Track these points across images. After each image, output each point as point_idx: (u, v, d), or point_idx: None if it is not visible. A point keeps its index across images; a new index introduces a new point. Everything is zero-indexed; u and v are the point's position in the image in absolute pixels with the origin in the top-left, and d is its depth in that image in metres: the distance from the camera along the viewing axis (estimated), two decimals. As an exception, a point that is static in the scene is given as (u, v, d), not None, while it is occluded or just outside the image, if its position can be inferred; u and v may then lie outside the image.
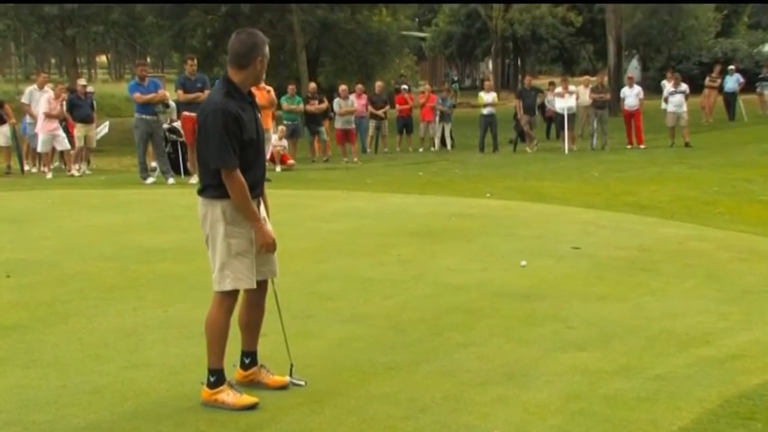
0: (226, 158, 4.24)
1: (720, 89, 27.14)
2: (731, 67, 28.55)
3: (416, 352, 5.12)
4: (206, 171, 4.39)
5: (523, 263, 7.29)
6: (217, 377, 4.37)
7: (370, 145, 22.75)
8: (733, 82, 27.11)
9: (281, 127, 18.66)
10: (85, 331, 5.63)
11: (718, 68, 27.40)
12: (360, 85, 22.75)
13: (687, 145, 19.97)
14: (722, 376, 4.61)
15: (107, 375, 4.75)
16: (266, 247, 4.44)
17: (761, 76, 30.70)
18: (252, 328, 4.66)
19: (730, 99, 27.37)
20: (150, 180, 14.70)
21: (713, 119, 26.59)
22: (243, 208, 4.33)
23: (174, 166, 15.52)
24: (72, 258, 8.00)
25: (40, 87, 17.99)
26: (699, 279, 6.94)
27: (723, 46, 44.16)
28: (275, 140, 17.43)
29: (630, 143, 20.65)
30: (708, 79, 26.76)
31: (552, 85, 24.73)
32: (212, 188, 4.37)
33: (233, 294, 4.44)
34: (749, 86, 28.64)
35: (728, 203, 11.25)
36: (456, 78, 50.58)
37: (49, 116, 16.68)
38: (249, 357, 4.66)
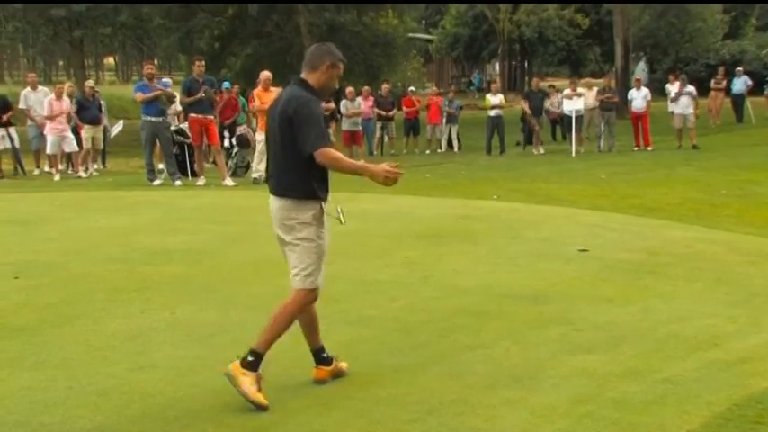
0: (324, 139, 4.42)
1: (727, 91, 27.08)
2: (739, 69, 28.47)
3: (423, 354, 5.11)
4: (289, 171, 4.47)
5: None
6: (255, 360, 4.42)
7: (377, 147, 22.76)
8: (741, 84, 27.04)
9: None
10: (92, 333, 5.63)
11: (722, 70, 27.34)
12: (366, 87, 22.78)
13: (695, 147, 19.92)
14: (731, 380, 4.59)
15: (114, 377, 4.75)
16: (385, 175, 4.56)
17: (768, 78, 30.65)
18: (316, 325, 4.80)
19: (738, 101, 27.30)
20: (157, 182, 14.72)
21: (720, 121, 26.52)
22: (350, 167, 4.64)
23: (182, 167, 15.53)
24: (79, 260, 8.01)
25: (33, 88, 18.05)
26: (707, 282, 6.91)
27: (731, 48, 44.05)
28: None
29: (638, 145, 20.60)
30: (713, 82, 26.72)
31: (552, 87, 24.77)
32: (295, 191, 4.48)
33: (315, 293, 4.61)
34: (757, 89, 28.56)
35: (736, 206, 11.21)
36: (473, 80, 50.58)
37: (50, 118, 16.73)
38: (323, 352, 4.78)
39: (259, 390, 4.35)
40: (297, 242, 4.53)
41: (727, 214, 10.61)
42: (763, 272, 7.28)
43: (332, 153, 4.43)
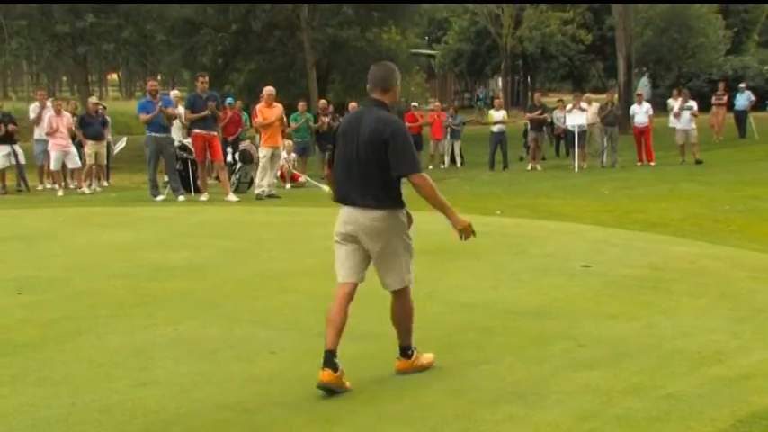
0: (419, 163, 4.98)
1: (729, 106, 27.12)
2: (742, 85, 28.52)
3: (427, 370, 5.10)
4: (384, 186, 4.88)
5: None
6: (411, 350, 5.12)
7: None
8: (744, 100, 27.08)
9: (287, 142, 18.74)
10: (95, 349, 5.63)
11: (722, 86, 27.41)
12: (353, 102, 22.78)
13: (698, 162, 19.94)
14: (735, 395, 4.57)
15: (117, 393, 4.74)
16: (466, 230, 5.16)
17: (772, 93, 30.69)
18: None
19: (741, 117, 27.33)
20: (161, 197, 14.74)
21: (723, 136, 26.55)
22: (440, 202, 5.04)
23: (185, 183, 15.56)
24: (82, 276, 8.02)
25: (42, 106, 18.12)
26: (711, 298, 6.90)
27: (733, 64, 44.11)
28: (284, 156, 17.49)
29: (641, 160, 20.62)
30: (714, 97, 26.76)
31: (561, 102, 24.76)
32: (390, 201, 4.92)
33: (410, 288, 5.12)
34: (760, 104, 28.60)
35: (740, 221, 11.20)
36: (481, 96, 50.79)
37: (50, 134, 16.79)
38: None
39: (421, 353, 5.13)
40: (394, 246, 5.00)
41: (731, 230, 10.60)
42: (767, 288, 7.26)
43: (430, 180, 4.96)
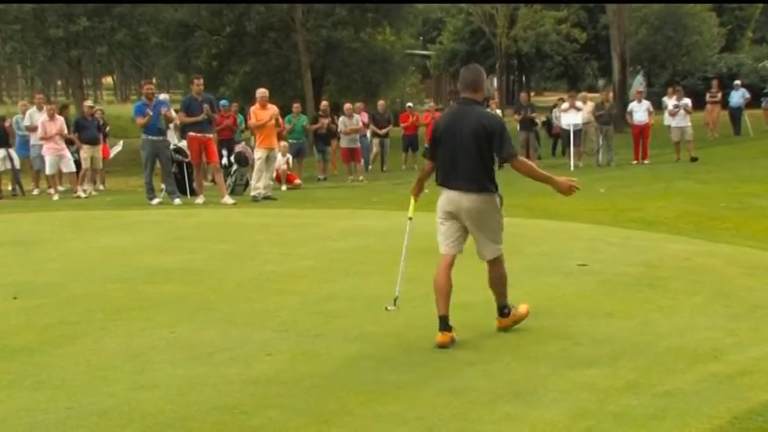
0: (517, 150, 5.82)
1: (723, 104, 27.16)
2: (737, 82, 28.58)
3: (424, 370, 5.11)
4: (484, 173, 5.71)
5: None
6: (507, 309, 5.98)
7: (373, 162, 22.76)
8: (738, 97, 27.13)
9: (283, 144, 18.76)
10: (92, 353, 5.63)
11: (716, 83, 27.45)
12: (359, 104, 22.78)
13: (693, 159, 19.98)
14: (731, 392, 4.58)
15: (114, 397, 4.74)
16: (570, 189, 5.98)
17: (766, 90, 30.74)
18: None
19: (736, 114, 27.39)
20: (156, 201, 14.72)
21: (718, 134, 26.59)
22: (540, 176, 5.90)
23: (181, 186, 15.55)
24: (79, 280, 8.01)
25: (39, 109, 18.09)
26: (707, 295, 6.91)
27: (728, 61, 44.21)
28: (280, 158, 17.50)
29: (636, 158, 20.63)
30: (708, 95, 26.79)
31: (561, 100, 24.75)
32: (489, 185, 5.76)
33: (502, 257, 5.98)
34: (754, 101, 28.64)
35: (735, 219, 11.22)
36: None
37: (44, 138, 16.78)
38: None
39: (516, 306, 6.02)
40: (492, 223, 5.86)
41: (727, 227, 10.62)
42: (763, 284, 7.28)
43: (527, 161, 6.03)
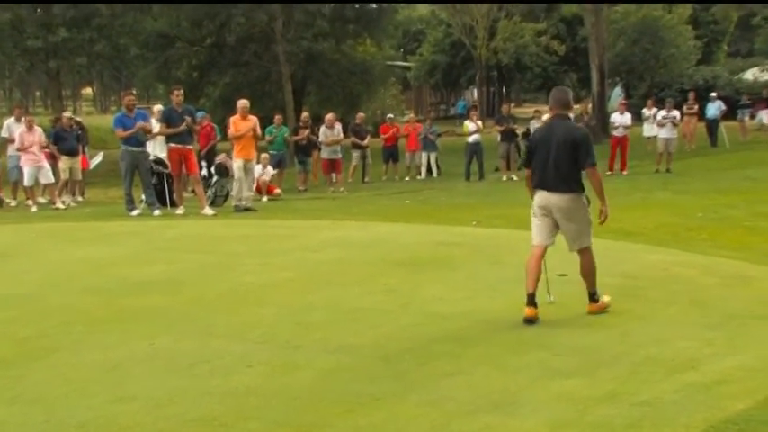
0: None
1: (700, 116, 27.41)
2: (713, 94, 28.83)
3: (403, 382, 5.11)
4: (571, 176, 6.69)
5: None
6: (596, 294, 6.80)
7: (352, 175, 22.77)
8: (715, 109, 27.38)
9: (263, 155, 18.73)
10: (69, 365, 5.60)
11: (692, 95, 27.69)
12: (331, 114, 22.47)
13: (668, 171, 20.13)
14: (708, 401, 4.62)
15: (91, 410, 4.71)
16: (606, 218, 6.89)
17: (741, 103, 31.06)
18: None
19: (712, 126, 27.62)
20: (136, 212, 14.66)
21: (695, 145, 26.81)
22: (602, 190, 6.81)
23: (160, 197, 15.50)
24: (56, 292, 7.97)
25: (17, 120, 17.99)
26: (684, 305, 6.97)
27: (704, 74, 44.58)
28: (259, 170, 17.48)
29: (611, 170, 20.68)
30: (685, 107, 27.01)
31: (538, 112, 24.89)
32: (577, 187, 6.72)
33: (591, 247, 6.85)
34: (730, 113, 28.90)
35: (712, 229, 11.31)
36: (460, 106, 50.91)
37: (22, 150, 16.68)
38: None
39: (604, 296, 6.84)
40: (580, 219, 6.75)
41: (703, 237, 10.70)
42: (739, 294, 7.34)
43: (598, 173, 6.87)
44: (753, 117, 32.47)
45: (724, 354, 5.55)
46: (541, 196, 6.81)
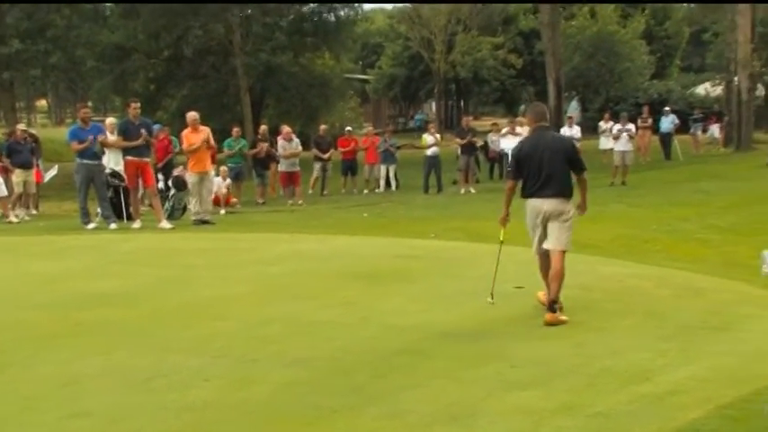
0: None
1: (654, 129, 27.85)
2: (666, 108, 29.33)
3: (361, 395, 5.11)
4: (565, 181, 7.15)
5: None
6: (558, 303, 6.89)
7: (313, 186, 22.77)
8: (668, 123, 27.87)
9: (222, 168, 18.63)
10: (22, 381, 5.52)
11: (646, 109, 28.17)
12: (288, 127, 22.39)
13: (624, 183, 20.41)
14: (661, 412, 4.69)
15: (45, 426, 4.65)
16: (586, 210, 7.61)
17: (693, 117, 31.64)
18: (556, 279, 7.08)
19: (666, 139, 28.07)
20: (92, 225, 14.49)
21: (650, 158, 27.21)
22: (586, 192, 7.49)
23: (117, 210, 15.35)
24: (8, 307, 7.85)
25: None
26: (639, 316, 7.06)
27: (658, 88, 45.35)
28: (219, 182, 17.40)
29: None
30: (639, 120, 27.44)
31: (496, 125, 25.10)
32: (569, 192, 7.18)
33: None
34: (683, 127, 29.43)
35: (666, 241, 11.48)
36: (417, 119, 51.13)
37: None
38: (554, 304, 6.91)
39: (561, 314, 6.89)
40: (567, 222, 7.14)
41: (657, 249, 10.86)
42: (692, 305, 7.46)
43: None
44: (705, 131, 33.17)
45: (677, 364, 5.63)
46: (536, 203, 7.18)
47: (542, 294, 7.30)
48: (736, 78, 30.02)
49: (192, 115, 15.38)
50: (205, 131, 15.24)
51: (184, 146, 15.31)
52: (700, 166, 24.39)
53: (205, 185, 15.20)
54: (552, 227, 7.15)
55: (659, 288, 8.20)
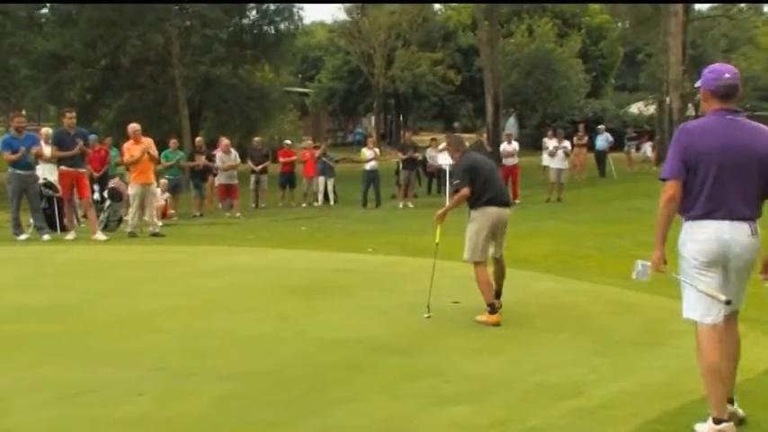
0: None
1: (589, 147, 28.36)
2: (600, 126, 29.92)
3: (297, 409, 5.11)
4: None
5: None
6: (496, 306, 7.51)
7: (253, 200, 22.67)
8: (603, 141, 28.41)
9: (162, 181, 18.46)
10: (-51, 397, 5.38)
11: (582, 127, 28.69)
12: (227, 139, 22.28)
13: (559, 200, 20.72)
14: (592, 427, 4.77)
15: (-27, 442, 4.55)
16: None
17: (627, 135, 32.32)
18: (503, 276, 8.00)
19: (601, 157, 28.61)
20: (23, 236, 14.22)
21: (585, 175, 27.68)
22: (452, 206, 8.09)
23: (50, 221, 15.07)
24: (-64, 319, 7.65)
25: None
26: (571, 332, 7.17)
27: (593, 106, 46.19)
28: (157, 194, 17.22)
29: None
30: (575, 138, 27.91)
31: (434, 140, 25.29)
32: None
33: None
34: (618, 145, 30.04)
35: (599, 258, 11.67)
36: (357, 134, 51.19)
37: None
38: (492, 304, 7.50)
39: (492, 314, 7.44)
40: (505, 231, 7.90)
41: (591, 266, 11.03)
42: (624, 321, 7.61)
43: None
44: (638, 149, 33.88)
45: (609, 379, 5.74)
46: (497, 211, 7.72)
47: (483, 317, 7.53)
48: (667, 98, 30.72)
49: (133, 127, 15.23)
50: (146, 142, 15.09)
51: (125, 158, 15.15)
52: (633, 184, 24.85)
53: (148, 197, 15.02)
54: (502, 234, 7.92)
55: (593, 304, 8.34)
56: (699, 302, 4.56)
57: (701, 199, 4.49)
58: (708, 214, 4.48)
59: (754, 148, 4.49)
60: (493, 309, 7.43)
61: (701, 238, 4.50)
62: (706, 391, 4.49)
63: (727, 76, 4.53)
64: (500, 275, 7.94)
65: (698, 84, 4.68)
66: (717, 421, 4.37)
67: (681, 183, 4.51)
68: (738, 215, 4.47)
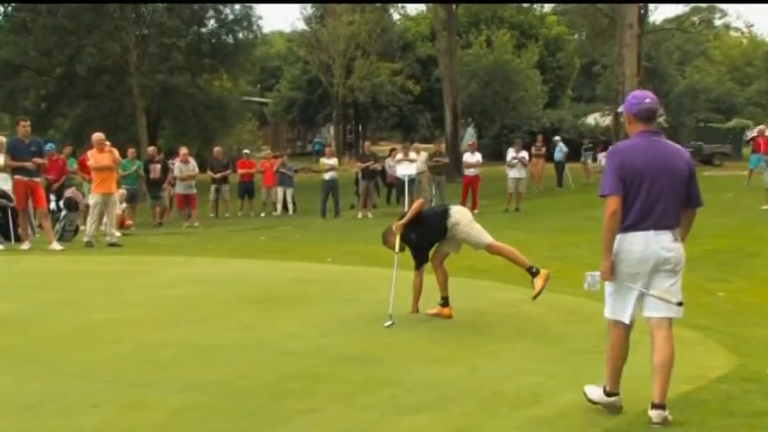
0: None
1: (547, 157, 28.67)
2: (556, 137, 30.27)
3: (256, 419, 5.09)
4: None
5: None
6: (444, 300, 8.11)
7: (213, 210, 22.56)
8: (558, 151, 28.75)
9: (121, 191, 18.29)
10: None
11: (540, 138, 29.03)
12: (185, 149, 22.18)
13: (518, 210, 20.89)
14: (550, 434, 4.82)
15: (-75, 455, 4.48)
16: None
17: (584, 146, 32.71)
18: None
19: (559, 167, 28.92)
20: (-23, 247, 14.01)
21: (543, 185, 27.94)
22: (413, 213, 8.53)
23: (5, 231, 14.86)
24: None
25: None
26: (530, 341, 7.23)
27: (551, 117, 46.67)
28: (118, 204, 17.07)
29: (463, 208, 21.29)
30: (533, 148, 28.20)
31: (394, 150, 25.39)
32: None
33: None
34: (575, 156, 30.39)
35: (558, 267, 11.72)
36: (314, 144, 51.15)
37: None
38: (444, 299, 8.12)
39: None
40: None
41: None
42: (581, 330, 7.68)
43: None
44: (594, 159, 34.25)
45: (566, 388, 5.78)
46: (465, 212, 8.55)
47: (433, 309, 8.14)
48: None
49: (97, 136, 15.11)
50: (113, 152, 14.97)
51: (90, 163, 15.01)
52: (590, 195, 25.03)
53: (109, 207, 14.89)
54: (448, 240, 8.38)
55: (551, 313, 8.41)
56: (615, 304, 5.28)
57: (633, 210, 4.96)
58: (636, 225, 4.96)
59: (675, 165, 4.99)
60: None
61: (631, 248, 5.01)
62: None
63: (647, 101, 5.01)
64: (443, 277, 8.34)
65: (620, 109, 5.24)
66: (609, 394, 5.17)
67: (621, 197, 4.93)
68: (663, 224, 4.96)
